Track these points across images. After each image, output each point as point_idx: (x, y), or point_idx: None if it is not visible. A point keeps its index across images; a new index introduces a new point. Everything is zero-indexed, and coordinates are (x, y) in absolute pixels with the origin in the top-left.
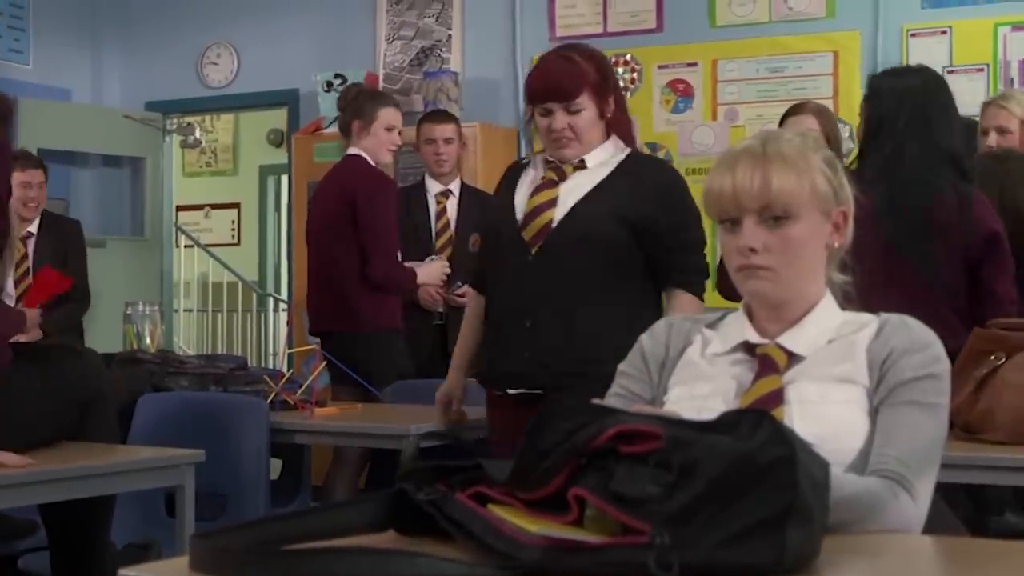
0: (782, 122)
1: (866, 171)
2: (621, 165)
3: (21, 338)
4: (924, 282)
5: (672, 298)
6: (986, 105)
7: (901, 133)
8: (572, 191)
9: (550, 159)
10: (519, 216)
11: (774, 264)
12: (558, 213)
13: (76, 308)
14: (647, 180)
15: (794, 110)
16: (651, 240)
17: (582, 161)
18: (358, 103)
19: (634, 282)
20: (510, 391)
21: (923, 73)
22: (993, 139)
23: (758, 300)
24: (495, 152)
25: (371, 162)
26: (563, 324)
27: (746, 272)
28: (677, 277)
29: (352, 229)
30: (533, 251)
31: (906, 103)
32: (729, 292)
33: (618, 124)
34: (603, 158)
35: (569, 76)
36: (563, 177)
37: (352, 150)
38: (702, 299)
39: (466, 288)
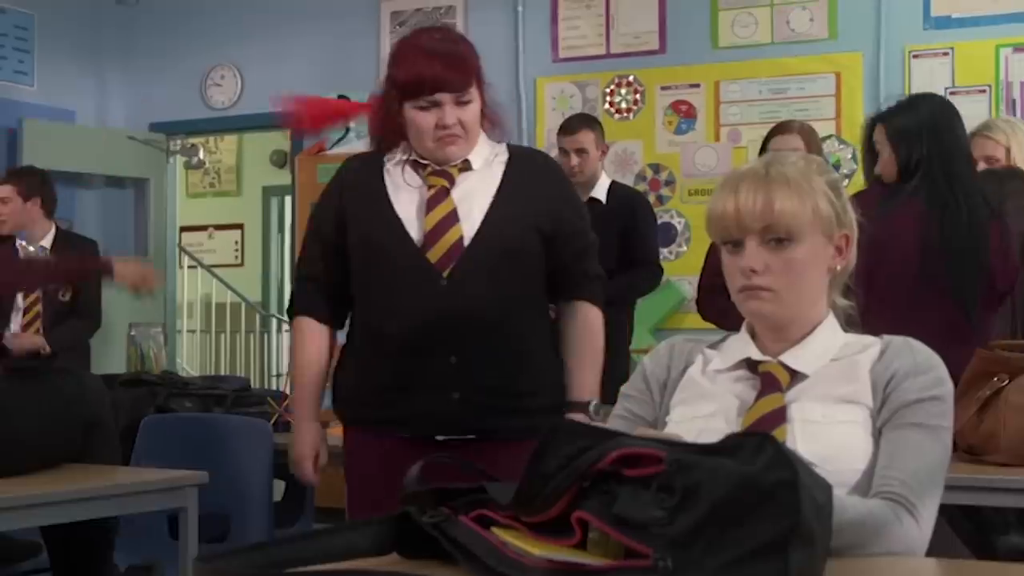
0: (766, 141)
1: (917, 204)
2: (511, 164)
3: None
4: (952, 302)
5: (579, 311)
6: (971, 136)
7: (937, 170)
8: (468, 197)
9: (423, 161)
10: (415, 235)
11: (775, 285)
12: (466, 228)
13: (84, 325)
14: (550, 180)
15: (779, 129)
16: (560, 247)
17: (466, 161)
18: None
19: (543, 296)
20: (439, 437)
21: (938, 102)
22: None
23: (759, 321)
24: None
25: None
26: (495, 356)
27: (747, 293)
28: (584, 290)
29: None
30: (445, 275)
31: (927, 137)
32: (709, 313)
33: (489, 116)
34: (485, 155)
35: (460, 63)
36: (452, 182)
37: None
38: (604, 311)
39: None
